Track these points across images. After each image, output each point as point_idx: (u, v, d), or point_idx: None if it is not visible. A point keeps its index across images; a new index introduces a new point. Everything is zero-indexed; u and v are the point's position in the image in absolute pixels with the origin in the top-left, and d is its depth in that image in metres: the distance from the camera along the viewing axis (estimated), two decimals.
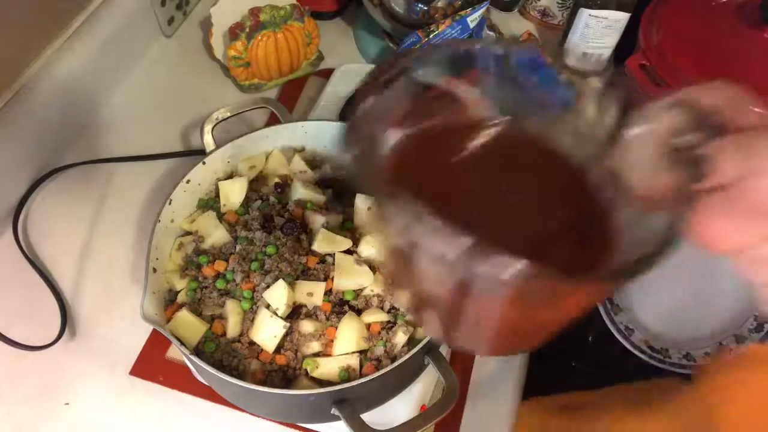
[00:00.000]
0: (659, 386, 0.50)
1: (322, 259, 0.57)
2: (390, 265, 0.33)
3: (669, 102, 0.29)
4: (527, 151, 0.36)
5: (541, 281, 0.27)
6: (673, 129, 0.29)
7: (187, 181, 0.60)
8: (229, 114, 0.65)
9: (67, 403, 0.60)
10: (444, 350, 0.60)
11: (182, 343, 0.50)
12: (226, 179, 0.62)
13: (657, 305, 0.67)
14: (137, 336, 0.62)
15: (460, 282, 0.29)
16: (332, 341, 0.53)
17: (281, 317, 0.53)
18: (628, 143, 0.30)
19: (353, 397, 0.50)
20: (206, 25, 0.88)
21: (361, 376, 0.52)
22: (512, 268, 0.26)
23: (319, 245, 0.57)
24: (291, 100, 0.83)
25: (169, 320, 0.54)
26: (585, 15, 0.77)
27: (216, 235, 0.58)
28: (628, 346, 0.65)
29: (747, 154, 0.28)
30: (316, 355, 0.54)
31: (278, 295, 0.54)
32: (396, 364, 0.49)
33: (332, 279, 0.56)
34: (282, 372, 0.53)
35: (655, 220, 0.29)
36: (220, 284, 0.56)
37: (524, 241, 0.32)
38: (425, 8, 0.77)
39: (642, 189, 0.30)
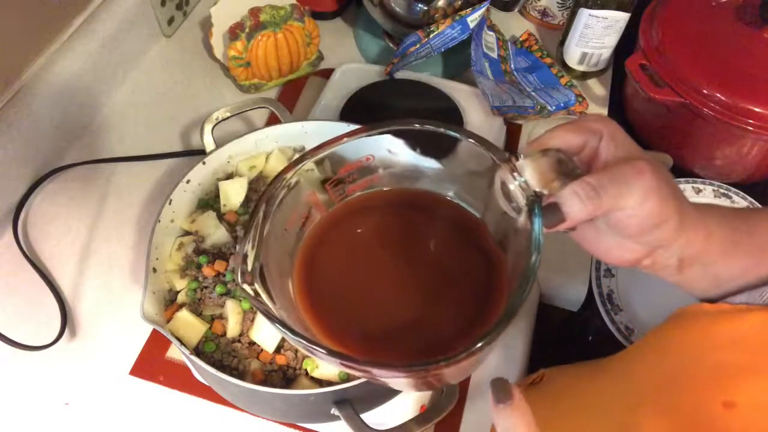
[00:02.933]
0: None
1: None
2: None
3: (533, 151, 0.33)
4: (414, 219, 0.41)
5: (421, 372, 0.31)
6: (539, 177, 0.32)
7: (187, 181, 0.60)
8: (229, 114, 0.65)
9: (67, 403, 0.60)
10: None
11: (182, 343, 0.50)
12: (226, 179, 0.62)
13: (657, 305, 0.67)
14: (137, 336, 0.62)
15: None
16: None
17: None
18: (507, 195, 0.34)
19: (353, 397, 0.50)
20: (206, 25, 0.88)
21: None
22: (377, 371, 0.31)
23: None
24: (291, 100, 0.83)
25: (169, 320, 0.54)
26: (585, 15, 0.77)
27: (216, 235, 0.58)
28: (628, 346, 0.65)
29: (593, 197, 0.32)
30: None
31: None
32: None
33: None
34: (282, 372, 0.53)
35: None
36: (220, 289, 0.55)
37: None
38: (425, 8, 0.77)
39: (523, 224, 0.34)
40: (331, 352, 0.30)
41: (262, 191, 0.35)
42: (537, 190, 0.32)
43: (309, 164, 0.37)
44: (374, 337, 0.36)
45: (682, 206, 0.34)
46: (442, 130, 0.35)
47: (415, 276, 0.38)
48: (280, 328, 0.31)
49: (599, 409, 0.43)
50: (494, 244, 0.38)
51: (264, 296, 0.32)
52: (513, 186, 0.33)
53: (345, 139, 0.36)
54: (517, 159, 0.33)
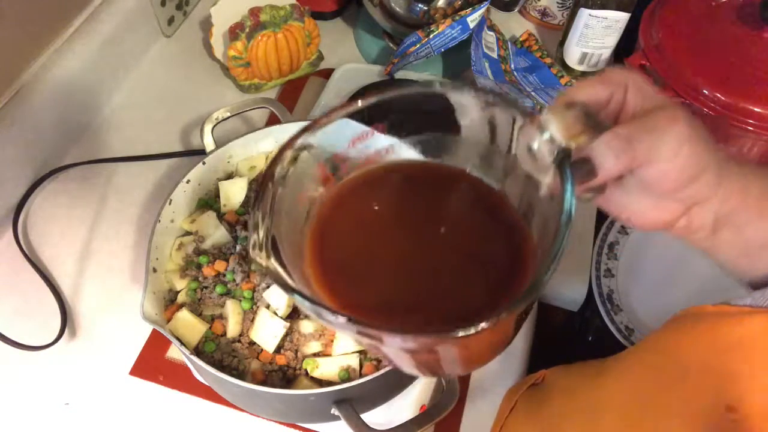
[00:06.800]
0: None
1: None
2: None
3: (558, 106, 0.31)
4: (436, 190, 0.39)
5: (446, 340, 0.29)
6: (565, 131, 0.30)
7: (187, 181, 0.60)
8: (229, 114, 0.65)
9: (67, 403, 0.60)
10: None
11: (182, 343, 0.50)
12: (226, 179, 0.62)
13: (657, 305, 0.67)
14: (137, 336, 0.62)
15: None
16: (332, 341, 0.53)
17: (281, 317, 0.53)
18: (532, 155, 0.31)
19: (353, 397, 0.50)
20: (206, 25, 0.88)
21: (361, 376, 0.52)
22: (401, 341, 0.29)
23: None
24: (291, 100, 0.83)
25: (169, 320, 0.54)
26: (585, 15, 0.77)
27: (216, 235, 0.58)
28: (629, 346, 0.65)
29: (626, 148, 0.29)
30: (316, 355, 0.54)
31: (278, 295, 0.53)
32: None
33: None
34: (282, 372, 0.53)
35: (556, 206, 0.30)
36: (220, 289, 0.56)
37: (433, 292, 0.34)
38: (425, 8, 0.77)
39: (551, 188, 0.31)
40: (350, 319, 0.28)
41: (269, 163, 0.34)
42: (564, 144, 0.30)
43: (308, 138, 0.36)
44: (390, 309, 0.34)
45: (718, 156, 0.31)
46: (450, 91, 0.34)
47: (432, 248, 0.36)
48: (297, 297, 0.30)
49: (601, 411, 0.42)
50: (516, 214, 0.35)
51: (279, 269, 0.31)
52: (538, 143, 0.30)
53: (352, 105, 0.35)
54: (541, 114, 0.31)
